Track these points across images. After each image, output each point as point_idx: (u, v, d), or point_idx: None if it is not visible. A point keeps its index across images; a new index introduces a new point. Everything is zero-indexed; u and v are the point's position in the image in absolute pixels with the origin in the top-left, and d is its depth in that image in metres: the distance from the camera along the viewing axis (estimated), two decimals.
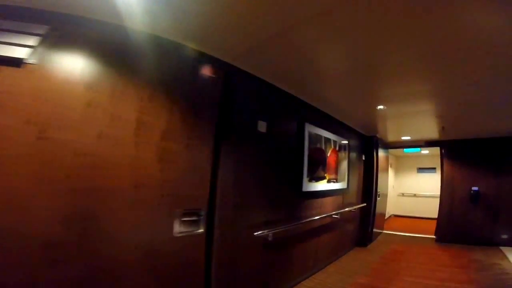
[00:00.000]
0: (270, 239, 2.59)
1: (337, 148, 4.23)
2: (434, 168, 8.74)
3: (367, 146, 5.80)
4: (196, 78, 2.07)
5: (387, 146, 6.81)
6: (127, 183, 1.65)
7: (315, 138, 3.61)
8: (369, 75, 2.60)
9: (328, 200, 3.97)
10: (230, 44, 2.01)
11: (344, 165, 4.50)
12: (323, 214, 3.73)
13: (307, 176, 3.38)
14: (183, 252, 1.91)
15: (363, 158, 5.70)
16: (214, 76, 2.17)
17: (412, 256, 4.73)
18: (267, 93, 2.85)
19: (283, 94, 3.07)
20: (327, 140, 3.94)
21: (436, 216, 6.02)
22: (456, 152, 5.79)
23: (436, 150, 6.34)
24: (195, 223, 1.96)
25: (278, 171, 2.98)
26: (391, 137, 6.23)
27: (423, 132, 5.45)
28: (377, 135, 5.81)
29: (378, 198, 5.88)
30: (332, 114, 4.11)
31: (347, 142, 4.62)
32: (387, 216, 8.14)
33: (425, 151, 8.11)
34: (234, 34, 1.88)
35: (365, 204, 5.39)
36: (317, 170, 3.62)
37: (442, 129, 4.74)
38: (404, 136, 5.95)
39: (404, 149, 7.40)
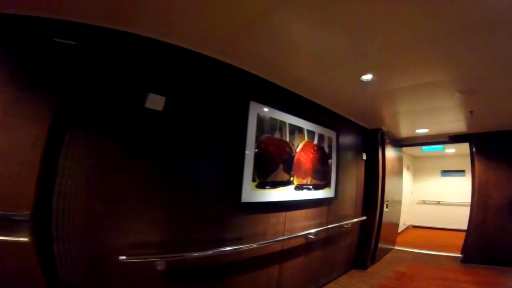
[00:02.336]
0: (160, 267, 1.64)
1: (315, 141, 3.04)
2: (463, 171, 7.22)
3: (369, 142, 4.52)
4: (31, 44, 1.57)
5: (400, 143, 5.45)
6: None
7: (271, 125, 2.48)
8: (342, 16, 1.54)
9: (298, 214, 2.79)
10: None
11: (330, 165, 3.28)
12: (288, 235, 2.58)
13: (254, 180, 2.25)
14: None
15: (364, 158, 4.42)
16: (69, 42, 1.61)
17: (424, 284, 3.46)
18: (168, 57, 1.90)
19: (202, 59, 2.06)
20: (297, 129, 2.77)
21: (465, 227, 4.68)
22: (491, 148, 4.36)
23: (465, 148, 4.92)
24: (13, 228, 1.40)
25: (194, 170, 1.94)
26: (403, 131, 4.87)
27: (444, 122, 4.08)
28: (383, 128, 4.51)
29: (386, 209, 4.55)
30: (303, 94, 2.94)
31: (334, 134, 3.40)
32: (403, 227, 6.82)
33: (450, 150, 6.63)
34: None
35: (365, 218, 4.10)
36: (275, 171, 2.46)
37: (471, 114, 3.39)
38: (419, 128, 4.58)
39: (423, 147, 5.98)
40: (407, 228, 7.52)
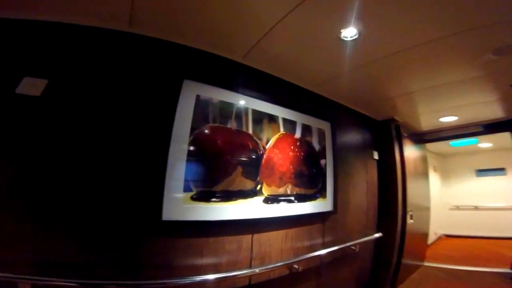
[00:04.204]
0: None
1: (297, 134, 2.25)
2: (503, 169, 6.04)
3: (380, 137, 3.64)
4: None
5: (422, 138, 4.50)
6: None
7: (222, 111, 1.76)
8: None
9: (274, 236, 1.99)
10: None
11: (324, 167, 2.46)
12: (258, 266, 1.78)
13: (188, 189, 1.52)
14: None
15: (375, 157, 3.54)
16: None
17: None
18: (58, 37, 1.50)
19: (104, 34, 1.57)
20: (266, 117, 2.02)
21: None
22: None
23: (504, 139, 3.91)
24: None
25: (86, 171, 1.36)
26: (424, 121, 3.91)
27: (476, 105, 3.14)
28: (397, 119, 3.61)
29: (410, 221, 3.60)
30: (271, 71, 2.18)
31: (328, 126, 2.59)
32: (434, 237, 5.83)
33: (485, 144, 5.53)
34: None
35: (380, 234, 3.18)
36: (227, 176, 1.71)
37: None
38: (444, 116, 3.63)
39: (451, 142, 4.97)
40: (439, 238, 6.38)
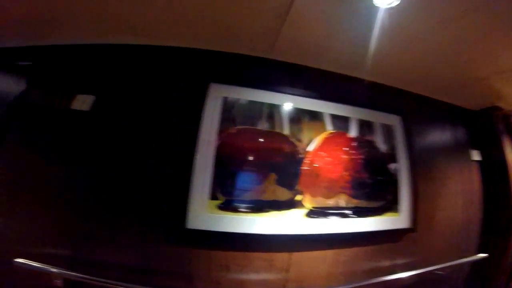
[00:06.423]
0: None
1: (352, 132, 1.87)
2: None
3: (479, 132, 2.80)
4: None
5: None
6: None
7: (251, 111, 1.60)
8: None
9: (320, 257, 1.65)
10: None
11: (395, 173, 1.98)
12: None
13: (215, 198, 1.43)
14: None
15: (475, 158, 2.72)
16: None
17: None
18: (100, 58, 1.67)
19: (138, 50, 1.71)
20: (306, 114, 1.74)
21: None
22: None
23: None
24: None
25: (120, 174, 1.46)
26: None
27: None
28: (501, 106, 2.72)
29: None
30: (312, 65, 1.88)
31: (398, 120, 2.10)
32: None
33: None
34: None
35: (484, 255, 2.39)
36: (257, 184, 1.50)
37: None
38: None
39: None
40: None
